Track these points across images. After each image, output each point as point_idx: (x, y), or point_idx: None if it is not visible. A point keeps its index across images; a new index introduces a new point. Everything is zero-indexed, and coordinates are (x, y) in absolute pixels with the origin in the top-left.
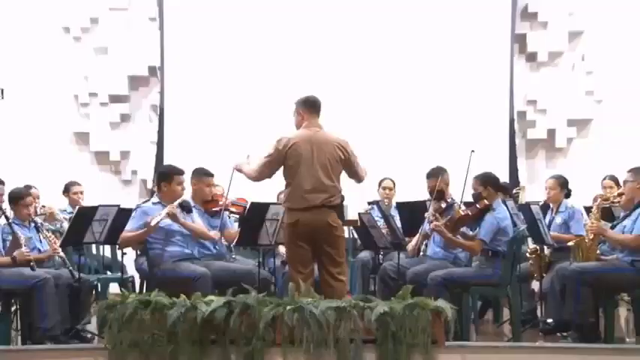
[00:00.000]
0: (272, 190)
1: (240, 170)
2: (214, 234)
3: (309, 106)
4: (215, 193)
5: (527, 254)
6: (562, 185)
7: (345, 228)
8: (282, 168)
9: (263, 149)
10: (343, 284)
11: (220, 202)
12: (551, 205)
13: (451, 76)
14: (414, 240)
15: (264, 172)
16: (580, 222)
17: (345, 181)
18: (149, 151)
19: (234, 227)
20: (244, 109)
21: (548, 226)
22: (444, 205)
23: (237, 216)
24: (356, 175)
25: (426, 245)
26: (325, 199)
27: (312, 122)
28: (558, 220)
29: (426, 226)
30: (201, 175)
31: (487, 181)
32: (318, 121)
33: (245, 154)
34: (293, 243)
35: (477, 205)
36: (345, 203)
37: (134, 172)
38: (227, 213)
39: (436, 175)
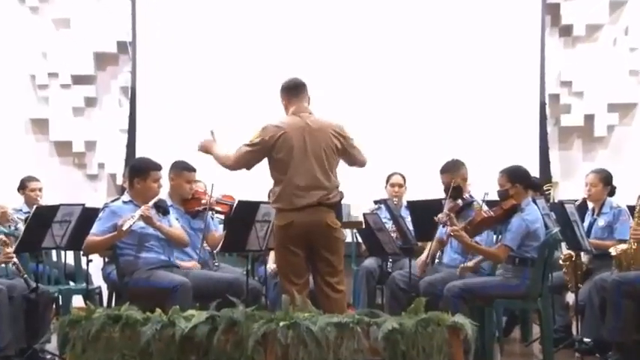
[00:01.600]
0: (263, 186)
1: (207, 152)
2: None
3: (290, 90)
4: (197, 191)
5: (561, 261)
6: (605, 181)
7: (348, 231)
8: (267, 162)
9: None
10: (343, 296)
11: (203, 201)
12: (591, 205)
13: (472, 53)
14: (425, 253)
15: (241, 162)
16: (626, 224)
17: (346, 175)
18: (119, 140)
19: (218, 230)
20: (229, 92)
21: (589, 230)
22: (460, 204)
23: (223, 217)
24: (357, 162)
25: (442, 251)
26: (322, 197)
27: (299, 107)
28: (601, 222)
29: (441, 231)
30: (181, 169)
31: (515, 176)
32: (305, 104)
33: (209, 129)
34: (285, 249)
35: (503, 205)
36: (347, 202)
37: (101, 166)
38: (211, 213)
39: (452, 169)
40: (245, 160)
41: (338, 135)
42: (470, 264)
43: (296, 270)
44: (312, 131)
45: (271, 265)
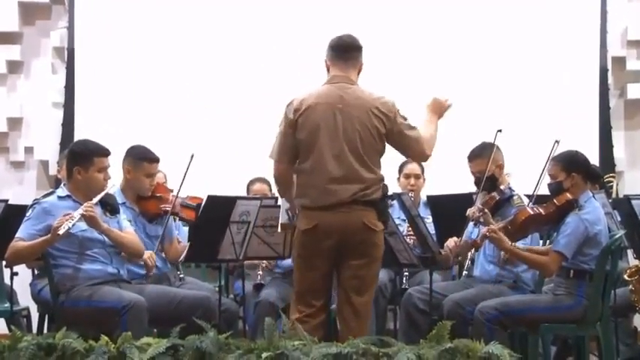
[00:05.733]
0: (240, 178)
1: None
2: (148, 256)
3: (334, 50)
4: (158, 185)
5: (626, 276)
6: None
7: None
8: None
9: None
10: (365, 324)
11: (167, 206)
12: None
13: (511, 5)
14: (452, 242)
15: (282, 160)
16: None
17: None
18: (52, 118)
19: (182, 236)
20: (192, 53)
21: None
22: (497, 197)
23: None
24: (413, 151)
25: (472, 261)
26: (358, 192)
27: (339, 75)
28: None
29: (470, 230)
30: (140, 159)
31: (572, 164)
32: (353, 74)
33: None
34: (305, 262)
35: (555, 201)
36: None
37: (29, 151)
38: (172, 217)
39: (483, 154)
40: (283, 156)
41: (382, 114)
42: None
43: (317, 288)
44: (345, 106)
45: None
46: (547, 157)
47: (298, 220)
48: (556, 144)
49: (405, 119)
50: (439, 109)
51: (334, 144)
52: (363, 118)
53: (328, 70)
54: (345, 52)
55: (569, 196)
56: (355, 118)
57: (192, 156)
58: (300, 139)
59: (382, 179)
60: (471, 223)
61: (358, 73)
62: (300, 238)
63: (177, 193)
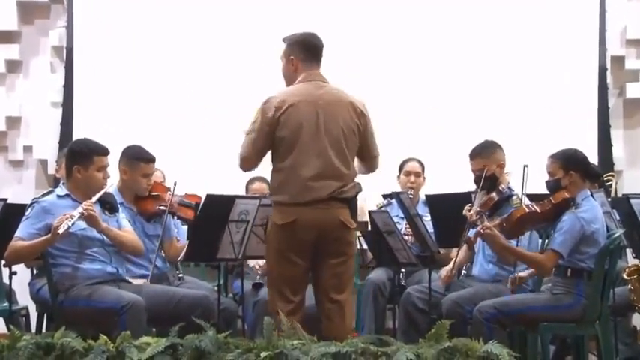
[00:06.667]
0: (239, 178)
1: None
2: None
3: (307, 50)
4: (155, 185)
5: (625, 275)
6: None
7: None
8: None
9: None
10: (351, 319)
11: (162, 206)
12: None
13: (511, 5)
14: (451, 264)
15: (250, 156)
16: None
17: None
18: (51, 117)
19: (181, 234)
20: (193, 52)
21: None
22: (496, 198)
23: (186, 223)
24: (371, 154)
25: (471, 262)
26: (336, 190)
27: (313, 72)
28: None
29: (469, 233)
30: (136, 159)
31: (570, 162)
32: (320, 72)
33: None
34: (282, 256)
35: (552, 199)
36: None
37: (28, 150)
38: (171, 216)
39: (484, 153)
40: (253, 153)
41: (360, 113)
42: (523, 274)
43: (294, 283)
44: (327, 104)
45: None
46: (521, 182)
47: (273, 215)
48: (526, 168)
49: (371, 123)
50: None
51: (316, 142)
52: (345, 116)
53: (295, 70)
54: (318, 51)
55: (566, 194)
56: (338, 115)
57: (175, 183)
58: (280, 137)
59: (356, 176)
60: (467, 224)
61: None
62: (278, 233)
63: (172, 192)
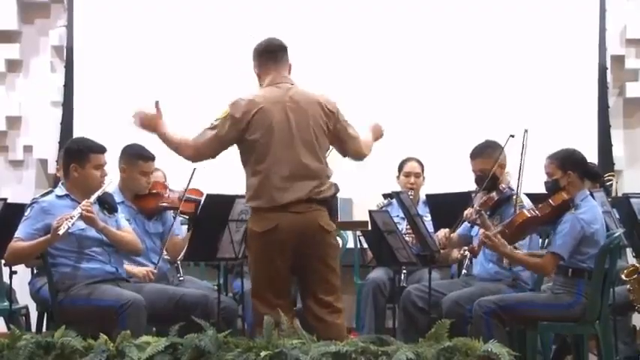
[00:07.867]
0: (239, 178)
1: (152, 130)
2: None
3: (265, 55)
4: (155, 183)
5: (624, 275)
6: None
7: (350, 234)
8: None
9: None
10: (342, 319)
11: (165, 196)
12: None
13: (510, 4)
14: (442, 233)
15: (206, 151)
16: None
17: (346, 162)
18: (51, 116)
19: (182, 233)
20: (191, 51)
21: None
22: (496, 198)
23: (188, 218)
24: (352, 149)
25: (471, 261)
26: (313, 189)
27: (278, 76)
28: None
29: (465, 227)
30: (135, 157)
31: (568, 162)
32: (286, 73)
33: (153, 99)
34: (264, 261)
35: (551, 201)
36: (348, 197)
37: (28, 149)
38: (172, 213)
39: (485, 153)
40: (211, 148)
41: (329, 111)
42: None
43: (278, 287)
44: (296, 105)
45: None
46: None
47: (252, 222)
48: (511, 137)
49: (345, 118)
50: (377, 133)
51: (289, 143)
52: (315, 115)
53: (260, 77)
54: (276, 54)
55: (564, 195)
56: (309, 115)
57: (194, 169)
58: (253, 141)
59: (330, 176)
60: (466, 222)
61: (289, 74)
62: (260, 240)
63: (186, 188)
